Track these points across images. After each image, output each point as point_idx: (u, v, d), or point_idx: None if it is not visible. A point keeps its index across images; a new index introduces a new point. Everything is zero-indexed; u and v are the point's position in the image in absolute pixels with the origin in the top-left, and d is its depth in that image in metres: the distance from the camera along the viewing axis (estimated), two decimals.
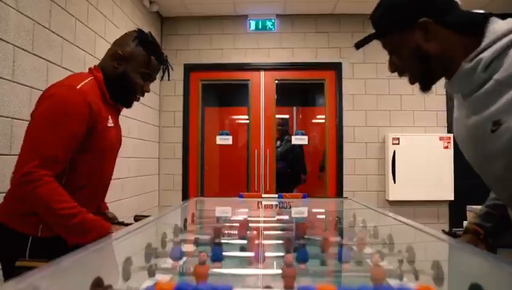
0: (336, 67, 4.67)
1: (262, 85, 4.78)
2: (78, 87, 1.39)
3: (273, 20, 4.70)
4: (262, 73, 4.77)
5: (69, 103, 1.35)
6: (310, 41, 4.70)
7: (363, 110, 4.63)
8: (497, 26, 0.98)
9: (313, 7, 4.53)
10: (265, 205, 1.69)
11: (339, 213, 1.70)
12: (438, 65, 1.05)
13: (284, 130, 5.59)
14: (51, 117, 1.34)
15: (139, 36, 1.52)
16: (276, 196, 1.75)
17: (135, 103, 2.94)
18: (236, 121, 7.44)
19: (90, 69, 1.56)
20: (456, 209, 4.52)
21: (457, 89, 1.09)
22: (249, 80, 4.78)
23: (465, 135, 1.12)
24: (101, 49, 3.04)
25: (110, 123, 1.49)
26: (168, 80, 1.63)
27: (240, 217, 1.49)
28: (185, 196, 4.68)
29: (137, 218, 1.72)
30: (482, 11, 1.04)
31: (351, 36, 4.68)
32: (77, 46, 2.67)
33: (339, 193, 4.59)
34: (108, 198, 3.22)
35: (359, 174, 4.59)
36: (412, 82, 1.13)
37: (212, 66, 4.71)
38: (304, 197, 1.74)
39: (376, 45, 4.58)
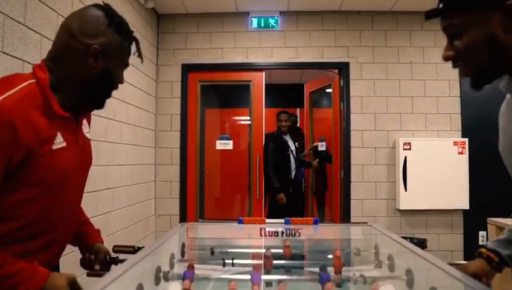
0: (343, 67, 4.40)
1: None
2: None
3: (276, 18, 4.42)
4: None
5: None
6: (316, 40, 4.42)
7: (371, 113, 4.35)
8: None
9: (319, 4, 4.25)
10: (269, 231, 1.42)
11: (359, 245, 1.43)
12: (509, 63, 0.83)
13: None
14: None
15: (116, 21, 1.16)
16: (283, 221, 1.48)
17: (129, 107, 2.57)
18: (239, 123, 7.18)
19: (34, 68, 1.14)
20: (471, 219, 4.24)
21: None
22: (250, 80, 4.50)
23: None
24: None
25: (60, 143, 1.10)
26: (141, 61, 1.31)
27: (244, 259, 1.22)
28: (183, 204, 4.41)
29: (116, 249, 1.43)
30: None
31: (358, 34, 4.41)
32: None
33: (346, 201, 4.32)
34: (98, 210, 2.99)
35: (368, 181, 4.31)
36: (463, 75, 0.91)
37: (211, 66, 4.44)
38: (315, 222, 1.47)
39: (385, 44, 4.22)
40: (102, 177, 3.04)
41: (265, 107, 4.60)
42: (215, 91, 6.99)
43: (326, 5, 4.30)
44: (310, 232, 1.46)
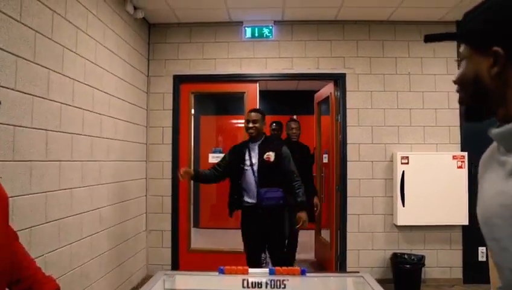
0: (339, 78, 4.27)
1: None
2: None
3: (270, 27, 4.30)
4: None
5: None
6: (311, 50, 4.30)
7: (368, 125, 4.23)
8: None
9: (314, 13, 4.13)
10: (252, 283, 1.30)
11: None
12: (492, 105, 0.82)
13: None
14: None
15: None
16: (267, 271, 1.36)
17: (117, 122, 2.38)
18: (234, 131, 7.06)
19: None
20: (470, 235, 4.13)
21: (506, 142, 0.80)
22: (244, 92, 4.38)
23: (500, 204, 0.77)
24: (71, 65, 2.65)
25: None
26: None
27: None
28: (175, 219, 4.29)
29: None
30: None
31: (355, 45, 4.29)
32: (38, 64, 2.27)
33: (342, 216, 4.20)
34: (83, 234, 2.85)
35: (364, 196, 4.20)
36: (460, 103, 0.91)
37: (204, 77, 4.32)
38: (302, 272, 1.34)
39: (382, 54, 4.08)
40: (87, 199, 2.91)
41: None
42: (211, 98, 6.88)
43: (322, 15, 4.17)
44: (296, 284, 1.34)
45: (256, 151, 3.31)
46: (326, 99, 4.85)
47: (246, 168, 3.30)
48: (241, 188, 3.30)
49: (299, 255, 4.60)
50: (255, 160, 3.28)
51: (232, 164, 3.34)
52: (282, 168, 3.26)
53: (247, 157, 3.32)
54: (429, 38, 0.92)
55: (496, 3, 0.79)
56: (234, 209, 3.38)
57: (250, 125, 3.35)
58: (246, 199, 3.31)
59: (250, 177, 3.26)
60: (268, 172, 3.24)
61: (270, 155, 3.26)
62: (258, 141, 3.36)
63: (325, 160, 4.93)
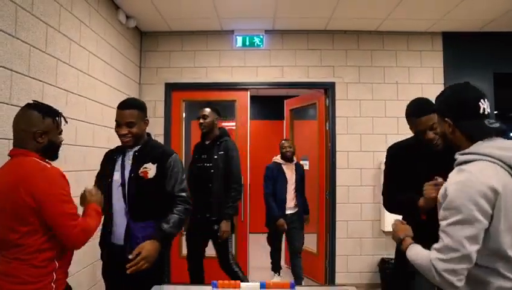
0: (329, 87, 4.36)
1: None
2: None
3: (261, 36, 4.37)
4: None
5: None
6: (301, 59, 4.38)
7: (357, 133, 4.32)
8: (475, 145, 1.40)
9: (305, 23, 4.21)
10: None
11: None
12: (454, 146, 1.49)
13: None
14: None
15: None
16: (258, 284, 1.42)
17: (110, 131, 2.45)
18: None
19: None
20: None
21: None
22: (235, 100, 4.43)
23: None
24: (64, 77, 2.68)
25: None
26: None
27: None
28: None
29: None
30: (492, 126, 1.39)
31: (344, 54, 4.38)
32: (32, 78, 2.30)
33: (331, 222, 4.28)
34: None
35: (353, 202, 4.28)
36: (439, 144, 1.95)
37: (195, 85, 4.36)
38: (291, 286, 1.40)
39: (370, 63, 4.23)
40: (80, 209, 2.92)
41: (250, 119, 4.53)
42: (203, 101, 6.88)
43: (312, 24, 4.25)
44: None
45: (131, 162, 2.18)
46: (304, 107, 4.97)
47: (113, 186, 2.16)
48: (110, 218, 2.15)
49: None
50: (127, 175, 2.15)
51: (101, 178, 2.26)
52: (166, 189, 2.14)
53: (117, 168, 2.19)
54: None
55: (447, 95, 1.48)
56: (103, 250, 2.24)
57: (124, 126, 2.13)
58: (113, 236, 2.15)
59: (119, 202, 2.13)
60: (145, 195, 2.10)
61: (148, 169, 2.13)
62: (134, 148, 2.21)
63: (306, 167, 4.92)
